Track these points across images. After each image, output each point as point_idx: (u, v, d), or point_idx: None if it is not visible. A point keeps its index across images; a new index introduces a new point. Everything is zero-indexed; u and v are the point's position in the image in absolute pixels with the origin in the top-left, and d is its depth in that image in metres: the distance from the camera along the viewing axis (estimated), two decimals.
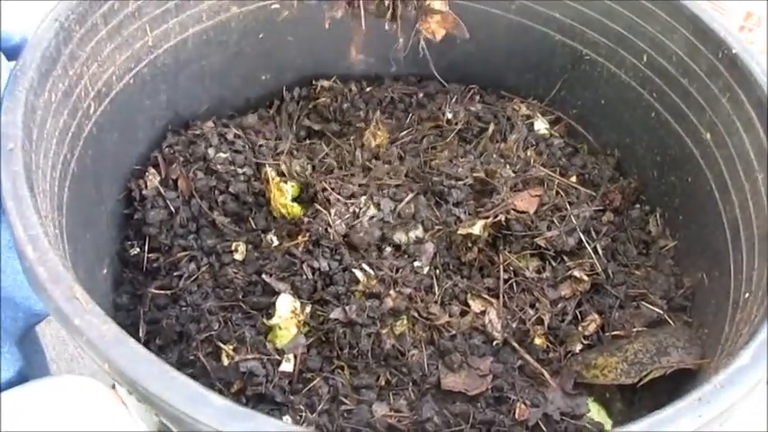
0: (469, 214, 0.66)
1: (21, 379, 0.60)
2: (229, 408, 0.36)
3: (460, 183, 0.68)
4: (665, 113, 0.69)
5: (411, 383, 0.59)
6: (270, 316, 0.61)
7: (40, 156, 0.51)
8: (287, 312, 0.60)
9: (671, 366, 0.57)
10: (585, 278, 0.65)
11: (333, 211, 0.65)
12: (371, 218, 0.65)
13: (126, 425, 0.50)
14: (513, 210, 0.66)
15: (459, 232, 0.64)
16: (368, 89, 0.82)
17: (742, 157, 0.59)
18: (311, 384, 0.58)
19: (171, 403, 0.37)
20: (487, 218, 0.65)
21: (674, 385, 0.59)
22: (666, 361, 0.58)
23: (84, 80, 0.59)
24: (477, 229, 0.64)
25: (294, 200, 0.70)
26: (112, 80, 0.63)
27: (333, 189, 0.67)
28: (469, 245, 0.65)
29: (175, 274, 0.65)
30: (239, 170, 0.70)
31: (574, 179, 0.73)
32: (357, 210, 0.66)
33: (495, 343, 0.62)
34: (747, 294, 0.53)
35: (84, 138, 0.59)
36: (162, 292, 0.64)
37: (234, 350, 0.59)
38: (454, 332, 0.61)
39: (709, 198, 0.63)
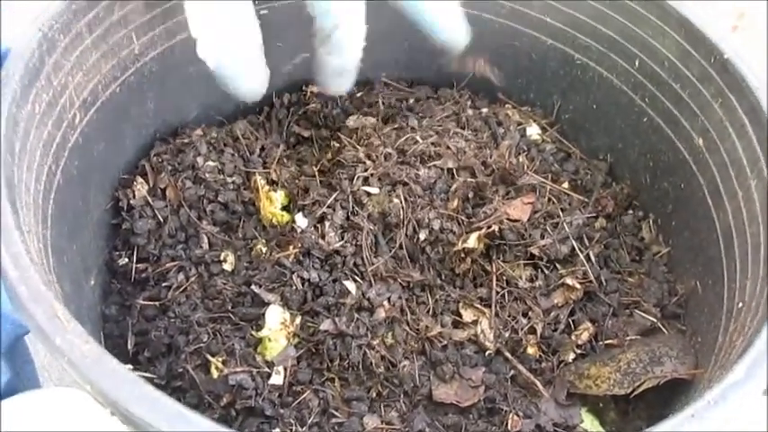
0: (462, 225, 0.66)
1: (9, 391, 0.59)
2: (211, 427, 0.36)
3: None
4: (657, 119, 0.68)
5: (402, 395, 0.59)
6: (259, 327, 0.60)
7: (23, 169, 0.51)
8: (276, 324, 0.60)
9: (664, 376, 0.57)
10: (578, 286, 0.65)
11: (327, 224, 0.65)
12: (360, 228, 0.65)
13: None
14: (507, 219, 0.66)
15: (455, 249, 0.63)
16: (358, 94, 0.81)
17: (735, 164, 0.58)
18: (301, 397, 0.57)
19: (153, 424, 0.36)
20: (481, 229, 0.64)
21: (669, 394, 0.58)
22: (660, 371, 0.57)
23: (69, 90, 0.58)
24: (471, 242, 0.63)
25: (284, 208, 0.69)
26: (98, 89, 0.62)
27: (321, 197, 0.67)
28: (463, 256, 0.64)
29: (164, 284, 0.64)
30: (228, 179, 0.69)
31: (566, 185, 0.72)
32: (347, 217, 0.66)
33: (487, 353, 0.61)
34: (741, 304, 0.52)
35: (69, 148, 0.58)
36: (150, 302, 0.63)
37: (223, 362, 0.58)
38: (446, 343, 0.61)
39: (701, 204, 0.63)
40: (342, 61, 0.58)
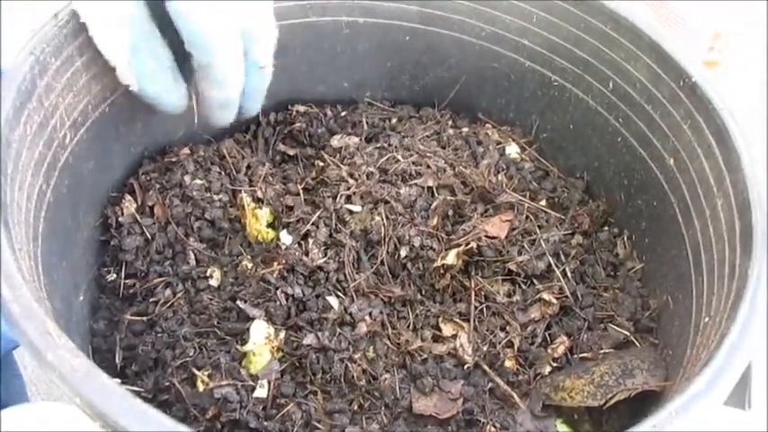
0: (442, 242, 0.67)
1: None
2: None
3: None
4: (630, 138, 0.70)
5: (383, 407, 0.60)
6: (244, 342, 0.61)
7: (15, 188, 0.52)
8: (261, 338, 0.61)
9: (635, 389, 0.58)
10: (554, 301, 0.67)
11: (311, 241, 0.67)
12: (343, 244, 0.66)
13: None
14: (485, 236, 0.68)
15: (434, 265, 0.65)
16: (342, 114, 0.83)
17: (703, 183, 0.61)
18: (285, 410, 0.59)
19: None
20: (459, 245, 0.66)
21: (640, 406, 0.60)
22: (632, 383, 0.59)
23: (60, 111, 0.60)
24: (450, 258, 0.65)
25: (269, 225, 0.71)
26: (88, 109, 0.64)
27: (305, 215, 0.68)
28: (442, 272, 0.66)
29: (151, 300, 0.66)
30: (215, 196, 0.71)
31: (544, 203, 0.75)
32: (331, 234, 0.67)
33: (466, 366, 0.63)
34: (707, 319, 0.54)
35: (59, 167, 0.60)
36: (138, 318, 0.65)
37: (209, 376, 0.60)
38: (426, 356, 0.63)
39: (673, 222, 0.65)
40: (223, 95, 0.60)
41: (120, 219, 0.68)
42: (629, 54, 0.68)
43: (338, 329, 0.62)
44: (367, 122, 0.81)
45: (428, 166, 0.72)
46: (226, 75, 0.58)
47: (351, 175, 0.71)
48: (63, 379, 0.39)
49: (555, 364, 0.65)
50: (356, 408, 0.60)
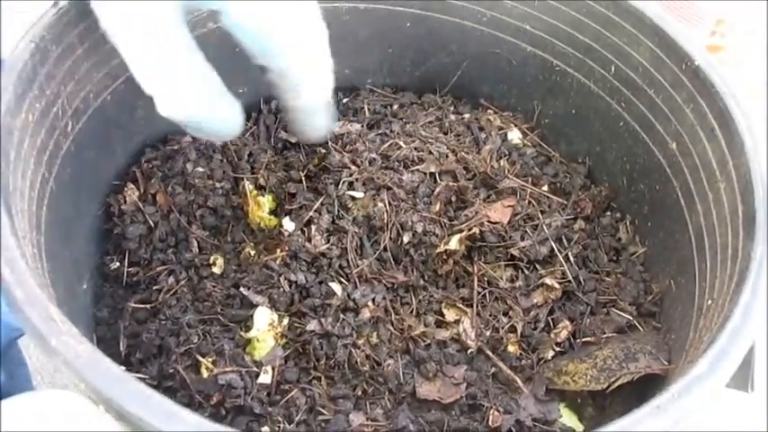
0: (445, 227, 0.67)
1: (3, 393, 0.61)
2: (201, 423, 0.37)
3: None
4: (633, 123, 0.70)
5: (387, 393, 0.60)
6: (248, 328, 0.62)
7: (18, 176, 0.52)
8: (264, 325, 0.61)
9: (638, 372, 0.59)
10: (557, 286, 0.67)
11: (313, 228, 0.67)
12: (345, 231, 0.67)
13: None
14: (488, 221, 0.68)
15: (437, 251, 0.65)
16: (344, 101, 0.83)
17: (705, 167, 0.61)
18: (289, 395, 0.59)
19: (146, 420, 0.38)
20: (462, 231, 0.66)
21: (644, 389, 0.60)
22: (634, 367, 0.59)
23: (62, 99, 0.60)
24: (453, 243, 0.65)
25: (271, 212, 0.71)
26: (90, 97, 0.64)
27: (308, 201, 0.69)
28: (445, 257, 0.66)
29: (155, 287, 0.66)
30: (217, 184, 0.71)
31: (546, 188, 0.75)
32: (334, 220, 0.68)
33: (469, 351, 0.63)
34: (710, 302, 0.54)
35: (62, 156, 0.60)
36: (142, 306, 0.65)
37: (213, 363, 0.60)
38: (429, 342, 0.63)
39: (675, 206, 0.65)
40: (309, 98, 0.56)
41: (122, 207, 0.69)
42: (631, 38, 0.67)
43: (341, 315, 0.62)
44: (369, 109, 0.81)
45: (430, 152, 0.72)
46: (304, 74, 0.54)
47: (353, 162, 0.71)
48: (67, 364, 0.40)
49: (558, 349, 0.65)
50: (360, 393, 0.60)
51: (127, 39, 0.50)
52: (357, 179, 0.69)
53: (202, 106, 0.51)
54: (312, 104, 0.57)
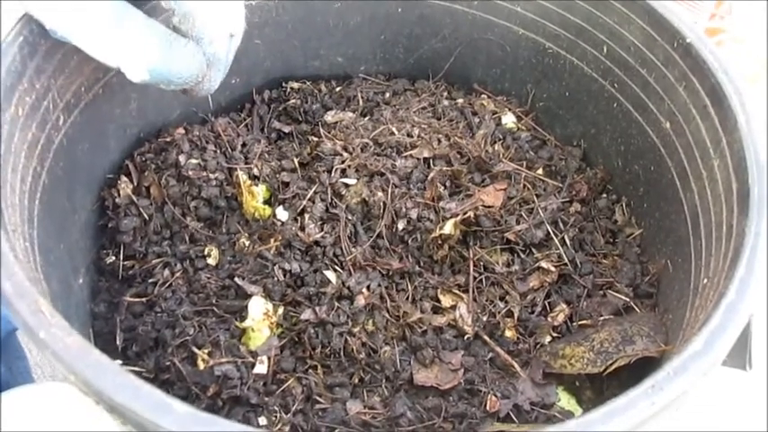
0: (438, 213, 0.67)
1: (1, 386, 0.61)
2: (191, 414, 0.37)
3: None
4: (626, 104, 0.70)
5: (384, 380, 0.60)
6: (243, 319, 0.62)
7: (8, 170, 0.52)
8: (259, 315, 0.61)
9: (635, 355, 0.58)
10: (553, 269, 0.66)
11: (307, 217, 0.66)
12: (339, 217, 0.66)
13: None
14: (482, 205, 0.67)
15: (432, 236, 0.65)
16: (337, 89, 0.83)
17: (699, 145, 0.60)
18: (285, 385, 0.59)
19: (136, 412, 0.38)
20: (456, 215, 0.66)
21: (642, 371, 0.60)
22: (631, 349, 0.59)
23: (52, 92, 0.59)
24: (448, 228, 0.65)
25: (265, 202, 0.70)
26: (81, 91, 0.63)
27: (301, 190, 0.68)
28: (440, 243, 0.66)
29: (150, 280, 0.66)
30: (211, 175, 0.70)
31: (541, 171, 0.74)
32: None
33: (466, 337, 0.63)
34: (706, 280, 0.54)
35: (54, 150, 0.60)
36: (138, 299, 0.65)
37: (209, 354, 0.60)
38: (425, 328, 0.63)
39: (670, 186, 0.64)
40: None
41: (116, 200, 0.68)
42: (623, 17, 0.67)
43: (336, 303, 0.62)
44: (362, 97, 0.81)
45: (423, 138, 0.71)
46: (207, 18, 0.53)
47: (345, 149, 0.71)
48: (57, 356, 0.39)
49: (555, 334, 0.65)
50: (357, 381, 0.60)
51: (66, 23, 0.51)
52: (350, 166, 0.69)
53: (159, 51, 0.51)
54: (214, 55, 0.55)
